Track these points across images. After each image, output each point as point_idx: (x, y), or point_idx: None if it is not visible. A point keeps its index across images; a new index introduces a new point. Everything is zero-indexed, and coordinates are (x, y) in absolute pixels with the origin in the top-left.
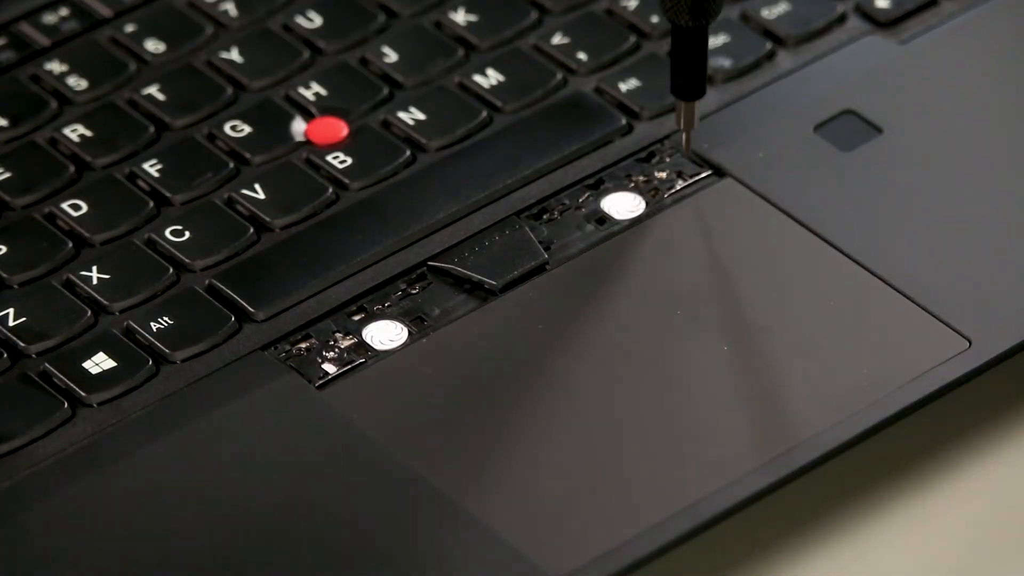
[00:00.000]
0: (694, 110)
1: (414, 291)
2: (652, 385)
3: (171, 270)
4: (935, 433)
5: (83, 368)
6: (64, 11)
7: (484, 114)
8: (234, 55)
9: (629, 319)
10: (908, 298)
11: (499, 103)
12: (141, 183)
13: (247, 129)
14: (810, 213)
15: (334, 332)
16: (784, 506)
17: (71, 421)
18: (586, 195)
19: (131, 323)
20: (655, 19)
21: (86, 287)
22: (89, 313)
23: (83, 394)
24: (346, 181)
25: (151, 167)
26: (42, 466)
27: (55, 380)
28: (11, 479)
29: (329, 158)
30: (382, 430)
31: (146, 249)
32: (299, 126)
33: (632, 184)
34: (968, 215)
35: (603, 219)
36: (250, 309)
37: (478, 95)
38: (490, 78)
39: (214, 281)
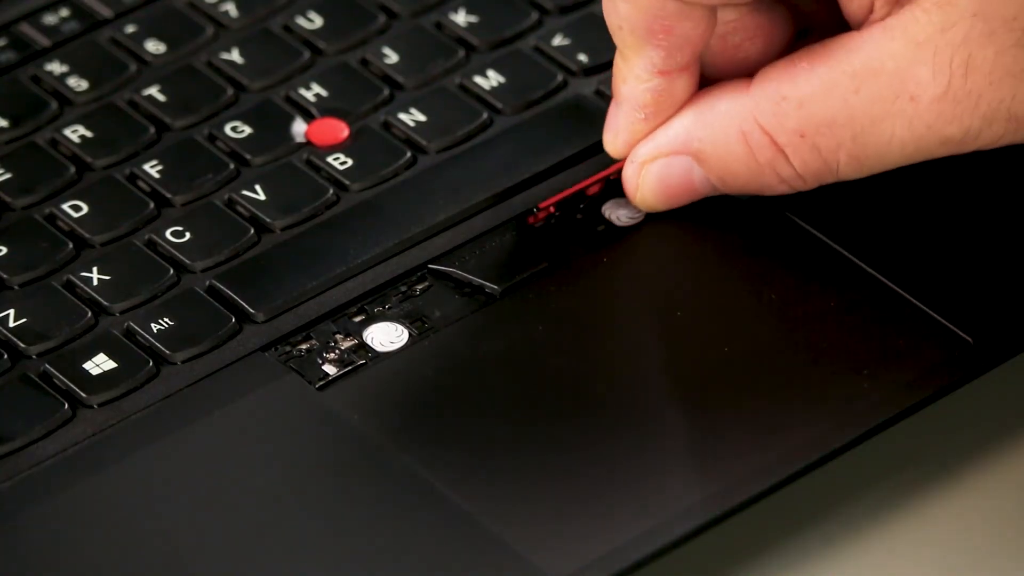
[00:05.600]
0: None
1: (415, 293)
2: (653, 387)
3: (171, 271)
4: (935, 433)
5: (83, 369)
6: (64, 12)
7: (484, 115)
8: (234, 56)
9: (629, 320)
10: (908, 298)
11: (499, 105)
12: (141, 184)
13: (247, 130)
14: (810, 212)
15: (334, 333)
16: (784, 507)
17: (71, 422)
18: (587, 201)
19: (131, 324)
20: None
21: (86, 288)
22: (89, 314)
23: (83, 395)
24: (346, 182)
25: (151, 168)
26: (42, 467)
27: (55, 381)
28: (11, 479)
29: (330, 159)
30: (382, 431)
31: (146, 250)
32: (299, 127)
33: None
34: (968, 214)
35: (605, 225)
36: (250, 310)
37: (478, 96)
38: (490, 79)
39: (214, 282)
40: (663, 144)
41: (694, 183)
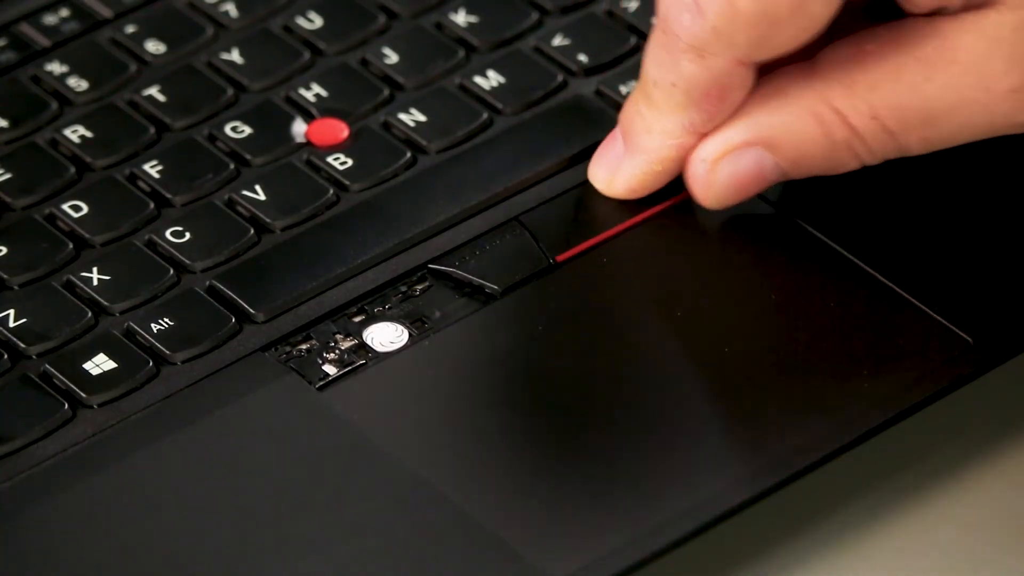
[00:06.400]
0: None
1: (415, 293)
2: (653, 387)
3: (171, 271)
4: (935, 433)
5: (83, 369)
6: (64, 12)
7: (485, 116)
8: (234, 56)
9: (630, 321)
10: (908, 298)
11: (499, 105)
12: (141, 184)
13: (247, 130)
14: (809, 214)
15: (334, 333)
16: (784, 508)
17: (71, 422)
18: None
19: (131, 324)
20: (655, 21)
21: (86, 288)
22: (89, 314)
23: (83, 395)
24: (346, 183)
25: (151, 168)
26: (42, 467)
27: (55, 381)
28: (11, 479)
29: (330, 159)
30: (382, 431)
31: (146, 250)
32: (299, 127)
33: None
34: (969, 214)
35: None
36: (250, 310)
37: (478, 97)
38: (490, 80)
39: (214, 282)
40: (733, 138)
41: (764, 172)
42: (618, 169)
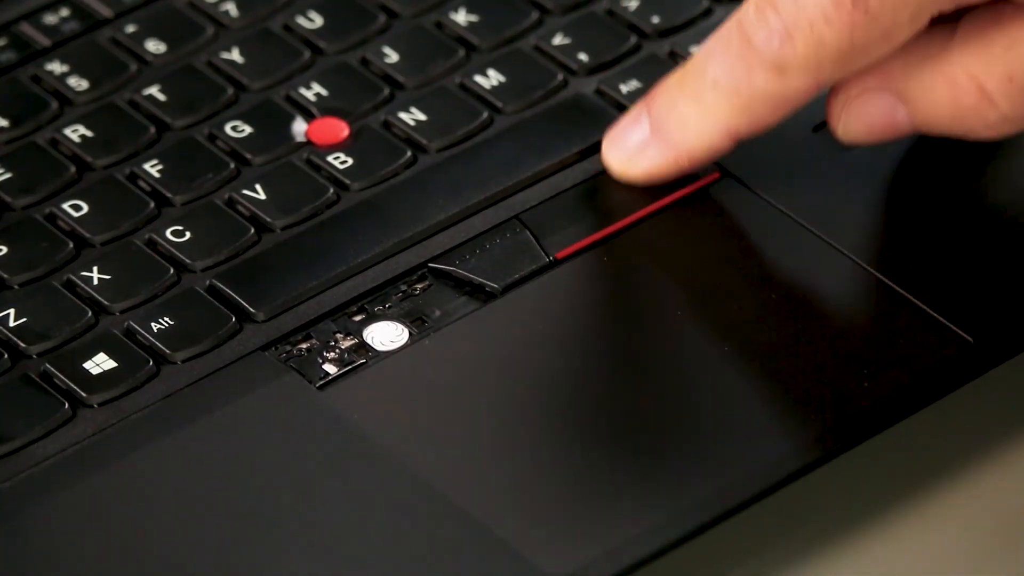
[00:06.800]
0: None
1: (415, 292)
2: (654, 385)
3: (172, 270)
4: (935, 433)
5: (84, 368)
6: (65, 11)
7: (485, 115)
8: (235, 55)
9: (630, 320)
10: (908, 297)
11: (500, 104)
12: (142, 183)
13: (248, 129)
14: (810, 213)
15: (335, 332)
16: (784, 507)
17: (71, 421)
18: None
19: (132, 323)
20: (656, 19)
21: (87, 287)
22: (90, 313)
23: (84, 394)
24: (347, 182)
25: (152, 167)
26: (42, 466)
27: (56, 380)
28: (11, 479)
29: (330, 159)
30: (382, 430)
31: (147, 249)
32: (300, 126)
33: None
34: (969, 213)
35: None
36: (251, 309)
37: (479, 96)
38: (491, 79)
39: (215, 281)
40: (869, 82)
41: (897, 122)
42: (640, 154)
